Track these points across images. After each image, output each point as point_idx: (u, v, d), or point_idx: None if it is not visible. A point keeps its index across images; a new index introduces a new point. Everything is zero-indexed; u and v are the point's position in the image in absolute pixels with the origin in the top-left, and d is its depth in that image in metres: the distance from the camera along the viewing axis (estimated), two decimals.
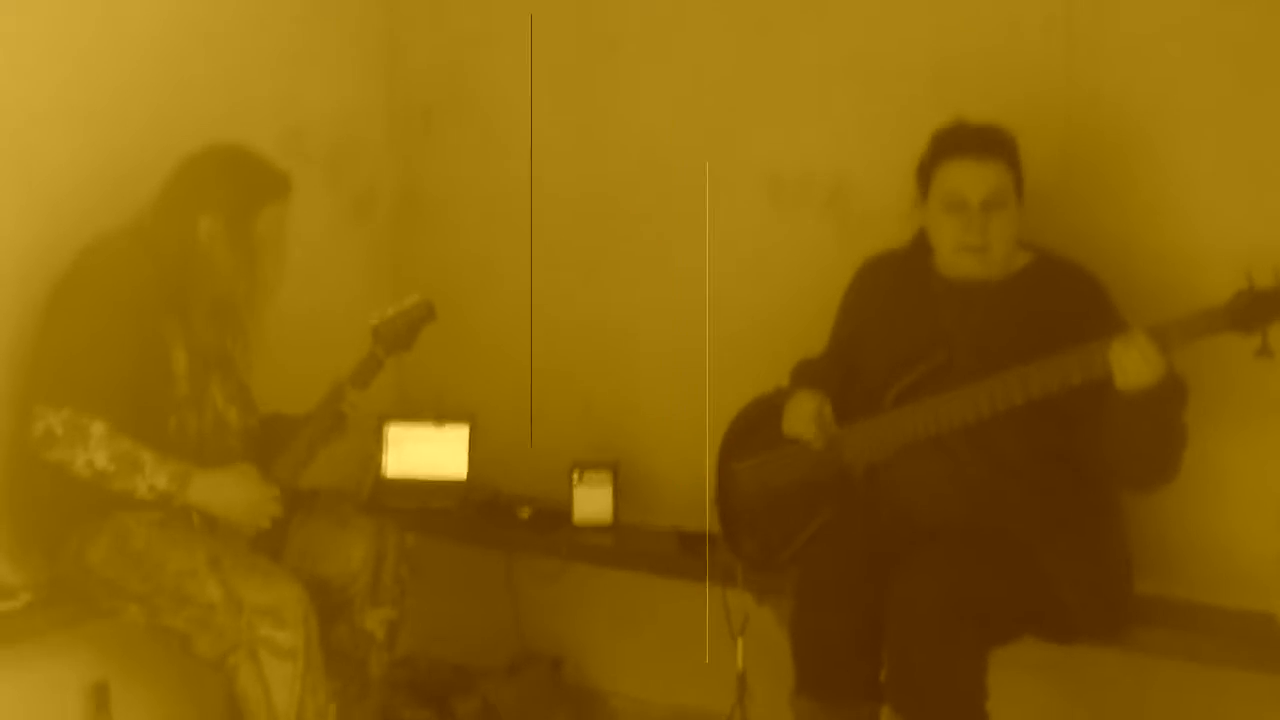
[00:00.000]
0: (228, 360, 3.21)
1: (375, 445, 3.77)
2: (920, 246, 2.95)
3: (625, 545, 3.53)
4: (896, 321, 2.98)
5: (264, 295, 3.16)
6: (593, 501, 3.58)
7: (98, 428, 2.90)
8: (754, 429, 3.17)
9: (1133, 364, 2.59)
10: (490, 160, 3.91)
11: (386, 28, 4.01)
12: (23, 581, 3.11)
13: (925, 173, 2.88)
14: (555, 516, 3.61)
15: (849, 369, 3.05)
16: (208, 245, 3.05)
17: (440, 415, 3.81)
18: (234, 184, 3.05)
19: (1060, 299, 2.84)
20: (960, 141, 2.82)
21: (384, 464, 3.79)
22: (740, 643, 3.22)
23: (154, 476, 2.93)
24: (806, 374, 3.11)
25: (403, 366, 3.42)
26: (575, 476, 3.58)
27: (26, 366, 3.05)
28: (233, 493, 3.02)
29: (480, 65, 3.90)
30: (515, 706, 3.59)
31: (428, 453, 3.79)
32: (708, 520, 3.27)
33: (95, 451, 2.90)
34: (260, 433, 3.25)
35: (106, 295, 2.98)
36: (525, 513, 3.65)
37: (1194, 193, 2.98)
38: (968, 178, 2.80)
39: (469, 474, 3.76)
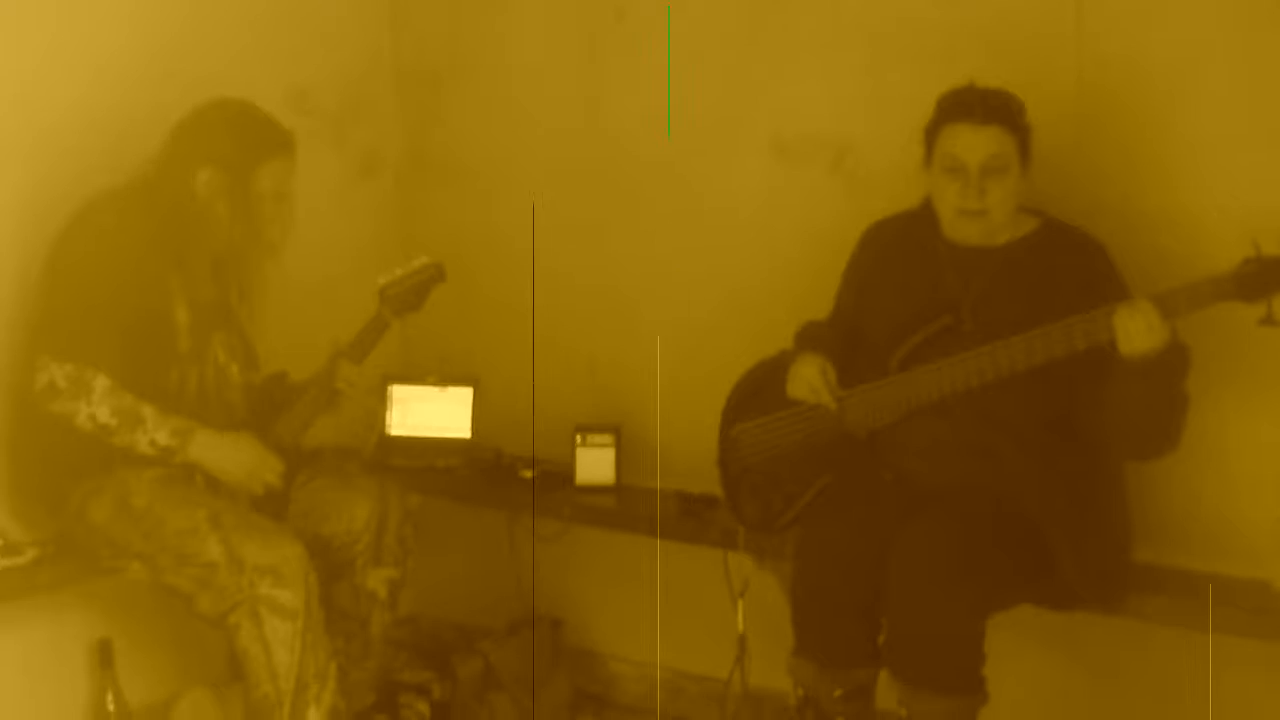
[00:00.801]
0: (230, 316, 3.22)
1: (379, 405, 3.78)
2: (928, 210, 2.94)
3: (627, 507, 3.53)
4: (902, 285, 2.97)
5: (267, 252, 3.16)
6: (595, 463, 3.58)
7: (100, 382, 2.91)
8: (757, 391, 3.17)
9: (1137, 330, 2.58)
10: (497, 120, 3.90)
11: None
12: (29, 538, 3.12)
13: (929, 136, 2.87)
14: (558, 478, 3.62)
15: (854, 332, 3.05)
16: (207, 199, 3.04)
17: (444, 377, 3.82)
18: (234, 139, 3.04)
19: (1066, 265, 2.83)
20: (962, 105, 2.80)
21: (388, 424, 3.80)
22: (740, 605, 3.23)
23: (155, 432, 2.94)
24: (810, 337, 3.10)
25: (408, 327, 3.42)
26: (578, 439, 3.59)
27: (30, 321, 3.06)
28: (233, 455, 3.02)
29: (488, 25, 3.88)
30: (515, 667, 3.61)
31: (432, 413, 3.80)
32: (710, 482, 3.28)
33: (97, 405, 2.91)
34: (263, 390, 3.26)
35: (109, 249, 2.98)
36: (528, 474, 3.66)
37: (1204, 157, 2.95)
38: (967, 142, 2.78)
39: (472, 435, 3.77)
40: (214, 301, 3.17)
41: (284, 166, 3.09)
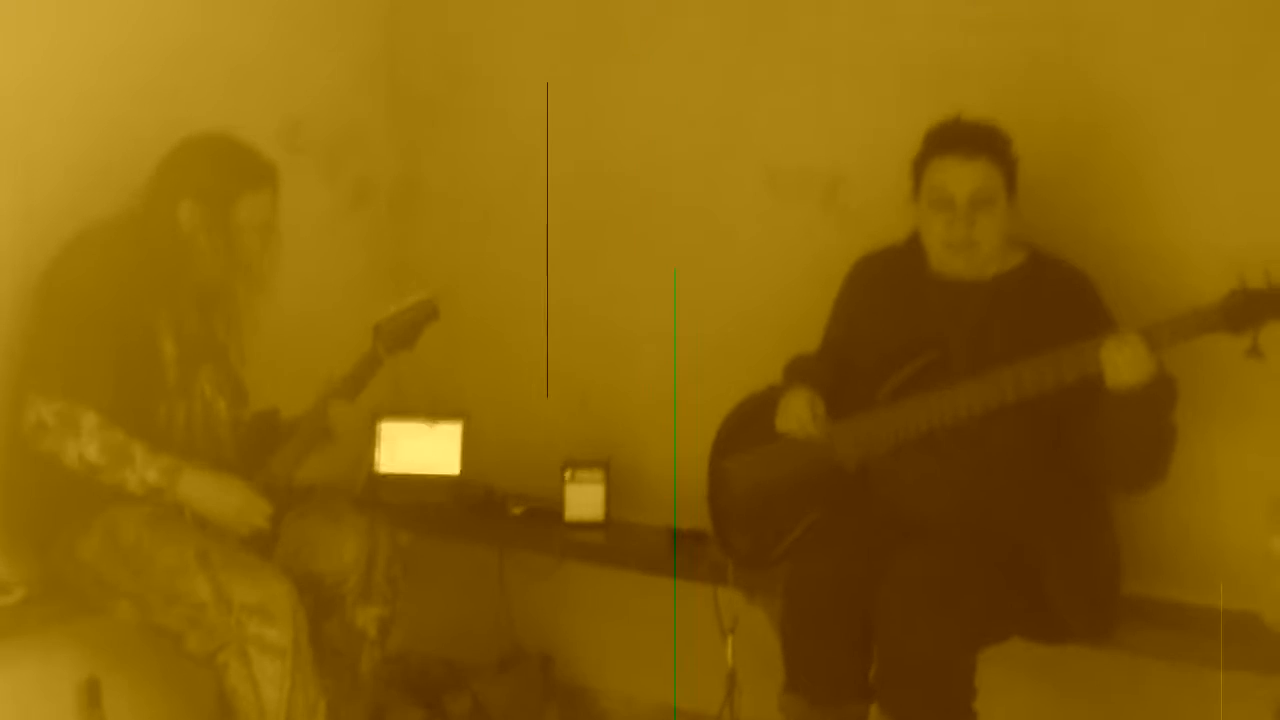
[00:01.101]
0: (218, 350, 3.21)
1: (368, 441, 3.77)
2: (916, 244, 2.95)
3: (617, 543, 3.52)
4: (890, 319, 2.98)
5: (253, 284, 3.15)
6: (585, 499, 3.57)
7: (90, 419, 2.90)
8: (747, 425, 3.17)
9: (1125, 363, 2.59)
10: (489, 152, 3.90)
11: (387, 16, 4.00)
12: (16, 577, 3.10)
13: (917, 169, 2.88)
14: (547, 513, 3.60)
15: (843, 366, 3.05)
16: (189, 232, 3.04)
17: (434, 412, 3.81)
18: (214, 171, 3.04)
19: (1053, 298, 2.84)
20: (949, 139, 2.82)
21: (377, 460, 3.79)
22: (730, 641, 3.22)
23: (144, 470, 2.93)
24: (800, 370, 3.10)
25: (398, 363, 3.42)
26: (567, 475, 3.58)
27: (18, 357, 3.05)
28: (220, 496, 3.01)
29: (481, 55, 3.89)
30: (506, 704, 3.59)
31: (421, 449, 3.79)
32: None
33: (86, 443, 2.90)
34: (252, 427, 3.25)
35: (96, 283, 2.97)
36: (518, 509, 3.65)
37: (1188, 191, 2.98)
38: (954, 175, 2.80)
39: (462, 470, 3.75)
40: (200, 335, 3.16)
41: (265, 198, 3.08)
